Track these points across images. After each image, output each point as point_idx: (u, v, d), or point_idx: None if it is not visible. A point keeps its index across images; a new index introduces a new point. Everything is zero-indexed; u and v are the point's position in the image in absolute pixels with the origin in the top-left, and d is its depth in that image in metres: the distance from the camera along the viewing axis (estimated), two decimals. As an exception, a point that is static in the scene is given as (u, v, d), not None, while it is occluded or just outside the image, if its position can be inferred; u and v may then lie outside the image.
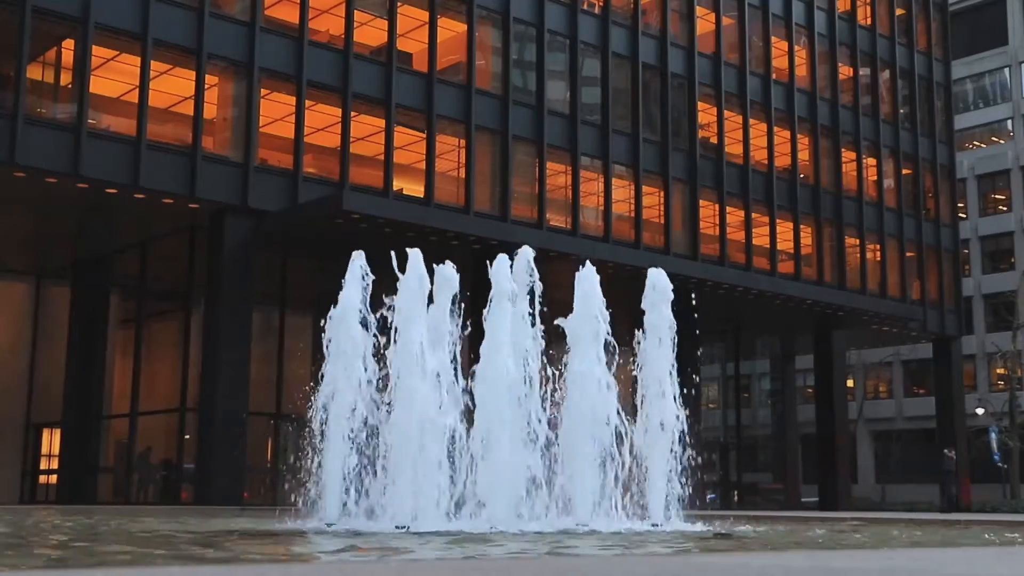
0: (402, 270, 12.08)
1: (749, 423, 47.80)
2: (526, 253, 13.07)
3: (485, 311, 12.60)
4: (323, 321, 12.68)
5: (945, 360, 47.49)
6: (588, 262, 13.24)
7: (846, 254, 42.95)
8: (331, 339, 12.50)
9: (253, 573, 5.67)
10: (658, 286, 13.47)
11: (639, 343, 13.31)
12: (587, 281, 13.05)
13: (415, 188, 31.79)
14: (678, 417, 13.06)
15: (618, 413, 12.68)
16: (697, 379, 13.57)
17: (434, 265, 12.33)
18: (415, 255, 12.10)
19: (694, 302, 13.81)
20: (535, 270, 12.93)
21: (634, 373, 13.28)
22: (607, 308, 13.00)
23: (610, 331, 12.84)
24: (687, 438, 13.03)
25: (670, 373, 13.09)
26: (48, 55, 28.62)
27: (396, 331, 11.92)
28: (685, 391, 13.32)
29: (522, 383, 12.45)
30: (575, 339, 12.85)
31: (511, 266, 12.88)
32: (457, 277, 12.44)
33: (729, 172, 39.30)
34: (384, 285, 12.40)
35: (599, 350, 12.68)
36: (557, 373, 12.75)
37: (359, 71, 30.74)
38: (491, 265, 12.72)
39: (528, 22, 34.67)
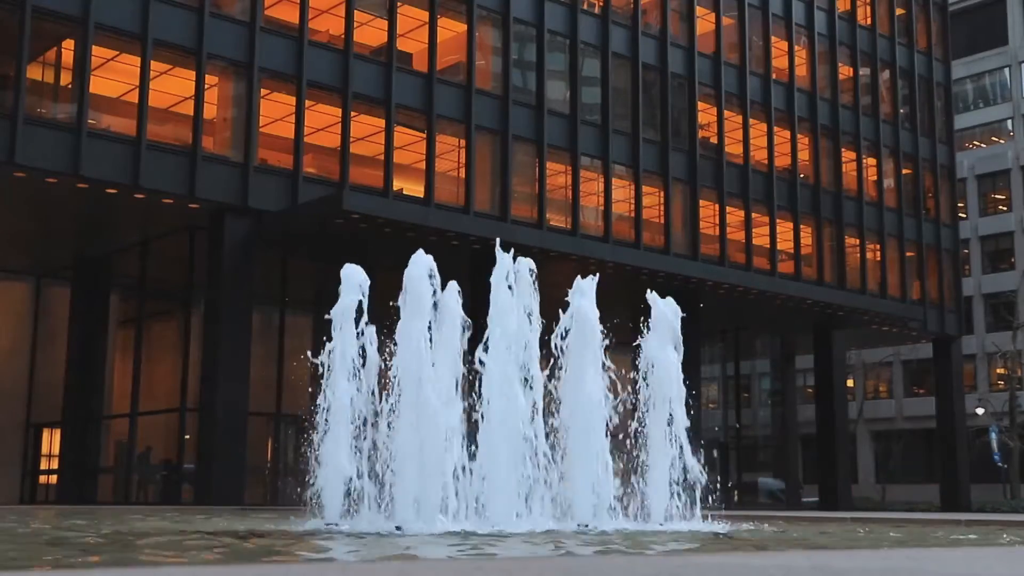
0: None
1: (749, 423, 47.74)
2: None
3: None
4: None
5: (945, 360, 47.48)
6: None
7: (846, 254, 42.96)
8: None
9: (253, 573, 5.67)
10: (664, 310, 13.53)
11: (640, 345, 13.31)
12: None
13: (415, 188, 31.79)
14: (674, 415, 13.07)
15: (616, 413, 12.68)
16: (688, 381, 13.48)
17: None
18: (421, 259, 12.07)
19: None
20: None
21: (635, 373, 13.27)
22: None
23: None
24: (688, 438, 13.04)
25: (678, 379, 13.11)
26: (48, 55, 28.61)
27: (399, 332, 11.91)
28: (686, 391, 13.32)
29: (523, 383, 12.44)
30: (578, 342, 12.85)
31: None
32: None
33: (729, 172, 39.31)
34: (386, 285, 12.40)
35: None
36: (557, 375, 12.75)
37: (359, 71, 30.74)
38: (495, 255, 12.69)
39: (528, 22, 34.67)
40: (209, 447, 27.36)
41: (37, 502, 33.31)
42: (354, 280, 12.57)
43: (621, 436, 12.89)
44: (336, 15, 30.95)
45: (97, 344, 32.87)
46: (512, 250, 12.83)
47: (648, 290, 13.73)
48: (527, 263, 12.80)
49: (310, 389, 12.52)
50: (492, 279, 12.66)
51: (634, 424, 13.09)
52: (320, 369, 12.46)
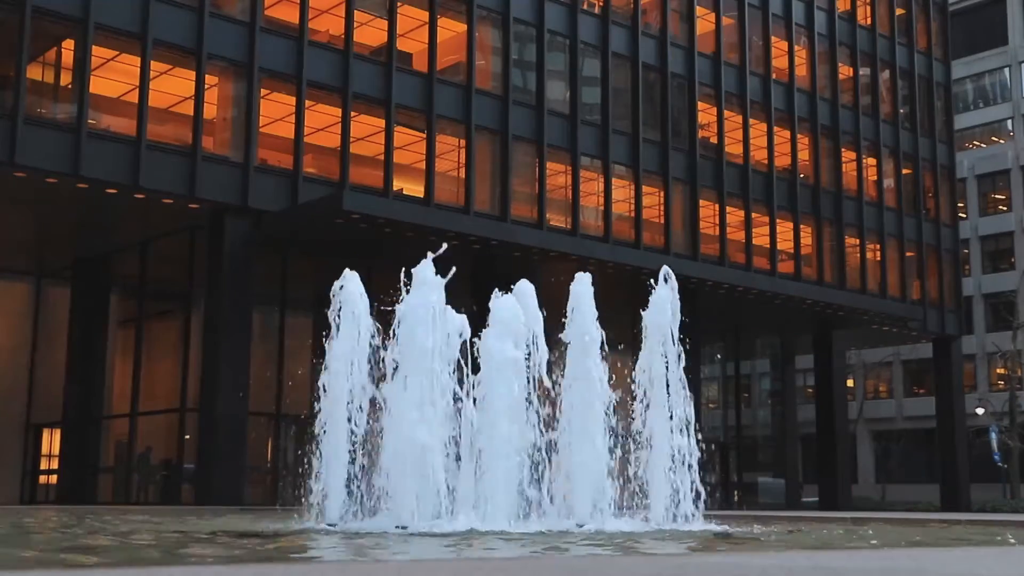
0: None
1: (749, 423, 47.73)
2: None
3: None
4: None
5: (945, 360, 47.48)
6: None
7: (846, 254, 42.96)
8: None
9: (253, 573, 5.67)
10: (665, 284, 13.48)
11: (641, 342, 13.31)
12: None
13: (415, 188, 31.78)
14: (674, 414, 13.06)
15: (616, 413, 12.68)
16: (691, 378, 13.47)
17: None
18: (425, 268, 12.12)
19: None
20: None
21: (635, 373, 13.26)
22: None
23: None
24: (688, 438, 13.02)
25: (679, 376, 13.10)
26: (48, 55, 28.60)
27: (399, 332, 11.91)
28: (686, 391, 13.31)
29: (522, 382, 12.44)
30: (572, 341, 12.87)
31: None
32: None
33: (729, 172, 39.30)
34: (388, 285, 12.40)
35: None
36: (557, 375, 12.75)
37: (359, 71, 30.73)
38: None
39: (528, 22, 34.66)
40: (209, 447, 27.36)
41: (37, 502, 33.30)
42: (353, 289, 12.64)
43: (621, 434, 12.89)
44: (336, 15, 30.95)
45: (97, 344, 32.85)
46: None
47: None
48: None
49: (311, 390, 12.52)
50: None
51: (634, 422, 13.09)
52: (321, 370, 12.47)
